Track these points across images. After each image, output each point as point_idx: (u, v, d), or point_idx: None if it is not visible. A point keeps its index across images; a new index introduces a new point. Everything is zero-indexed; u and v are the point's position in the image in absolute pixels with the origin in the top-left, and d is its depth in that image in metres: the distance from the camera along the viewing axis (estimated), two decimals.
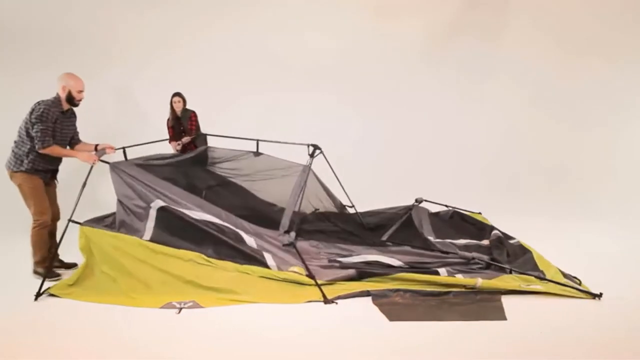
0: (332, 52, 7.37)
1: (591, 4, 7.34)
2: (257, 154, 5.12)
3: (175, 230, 4.06)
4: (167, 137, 5.78)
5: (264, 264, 3.97)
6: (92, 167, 4.04)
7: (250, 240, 4.17)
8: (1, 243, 5.14)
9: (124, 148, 4.43)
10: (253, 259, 4.00)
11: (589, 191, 6.92)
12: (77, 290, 3.66)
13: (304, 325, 3.23)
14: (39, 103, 3.89)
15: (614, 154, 7.37)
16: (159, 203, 4.16)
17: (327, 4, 7.31)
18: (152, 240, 3.94)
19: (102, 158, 4.20)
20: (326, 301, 3.55)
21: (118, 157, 4.43)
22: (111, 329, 3.13)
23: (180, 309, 3.42)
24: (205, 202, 4.43)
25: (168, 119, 5.88)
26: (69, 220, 3.85)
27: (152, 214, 4.11)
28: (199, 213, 4.19)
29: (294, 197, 4.51)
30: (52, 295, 3.60)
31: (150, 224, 4.09)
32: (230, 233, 4.18)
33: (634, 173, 7.09)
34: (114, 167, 4.27)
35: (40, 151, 3.85)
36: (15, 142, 3.99)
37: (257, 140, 5.06)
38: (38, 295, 3.56)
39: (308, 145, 5.01)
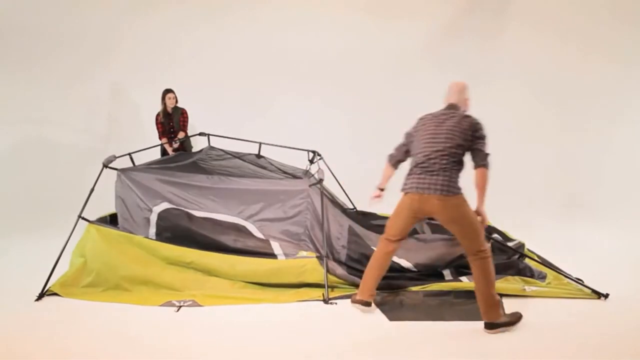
0: (332, 53, 7.35)
1: (591, 4, 7.32)
2: (258, 156, 5.06)
3: (176, 238, 3.99)
4: (158, 134, 5.87)
5: (271, 254, 3.93)
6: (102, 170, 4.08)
7: (257, 232, 4.08)
8: (1, 243, 5.15)
9: (130, 154, 4.45)
10: (259, 253, 3.93)
11: (589, 190, 6.88)
12: (77, 289, 3.67)
13: (303, 325, 3.23)
14: (472, 117, 3.42)
15: (614, 152, 7.32)
16: (161, 207, 4.09)
17: (327, 5, 7.31)
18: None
19: (110, 165, 4.17)
20: (326, 301, 3.55)
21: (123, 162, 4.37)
22: (111, 328, 3.14)
23: (180, 307, 3.43)
24: (212, 188, 4.24)
25: (157, 115, 5.86)
26: (79, 216, 3.88)
27: (153, 219, 4.07)
28: (202, 212, 4.11)
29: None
30: (53, 294, 3.61)
31: (152, 230, 4.05)
32: (237, 227, 4.07)
33: (634, 172, 7.05)
34: (122, 173, 4.18)
35: (487, 170, 3.43)
36: (437, 162, 3.40)
37: (260, 143, 5.03)
38: (41, 296, 3.57)
39: (308, 152, 4.99)
